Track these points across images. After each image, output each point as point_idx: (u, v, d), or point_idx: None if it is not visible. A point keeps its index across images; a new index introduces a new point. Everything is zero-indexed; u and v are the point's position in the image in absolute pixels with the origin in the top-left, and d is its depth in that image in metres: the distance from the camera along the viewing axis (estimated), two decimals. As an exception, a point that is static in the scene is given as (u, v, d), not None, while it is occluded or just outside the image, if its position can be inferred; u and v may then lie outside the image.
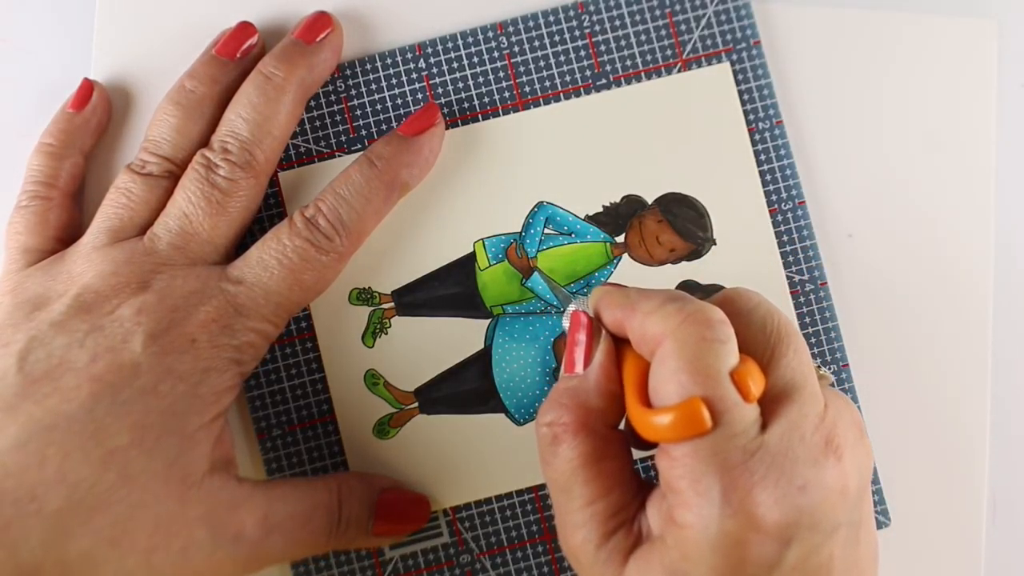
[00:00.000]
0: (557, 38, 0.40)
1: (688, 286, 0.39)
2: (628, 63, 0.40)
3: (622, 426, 0.32)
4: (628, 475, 0.32)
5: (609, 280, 0.39)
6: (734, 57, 0.40)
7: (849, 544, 0.30)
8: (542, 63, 0.40)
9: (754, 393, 0.29)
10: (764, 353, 0.30)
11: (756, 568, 0.28)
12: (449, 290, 0.39)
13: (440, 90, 0.40)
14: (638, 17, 0.40)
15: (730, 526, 0.28)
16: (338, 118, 0.40)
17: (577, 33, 0.40)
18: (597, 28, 0.40)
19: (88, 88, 0.39)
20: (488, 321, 0.39)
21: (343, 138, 0.40)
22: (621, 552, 0.30)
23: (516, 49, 0.40)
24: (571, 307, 0.34)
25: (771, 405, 0.29)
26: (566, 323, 0.35)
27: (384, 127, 0.40)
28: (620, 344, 0.32)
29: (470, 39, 0.40)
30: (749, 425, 0.28)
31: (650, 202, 0.40)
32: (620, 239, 0.40)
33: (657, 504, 0.30)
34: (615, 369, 0.32)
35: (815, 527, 0.28)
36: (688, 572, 0.28)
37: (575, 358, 0.33)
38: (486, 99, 0.40)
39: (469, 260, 0.40)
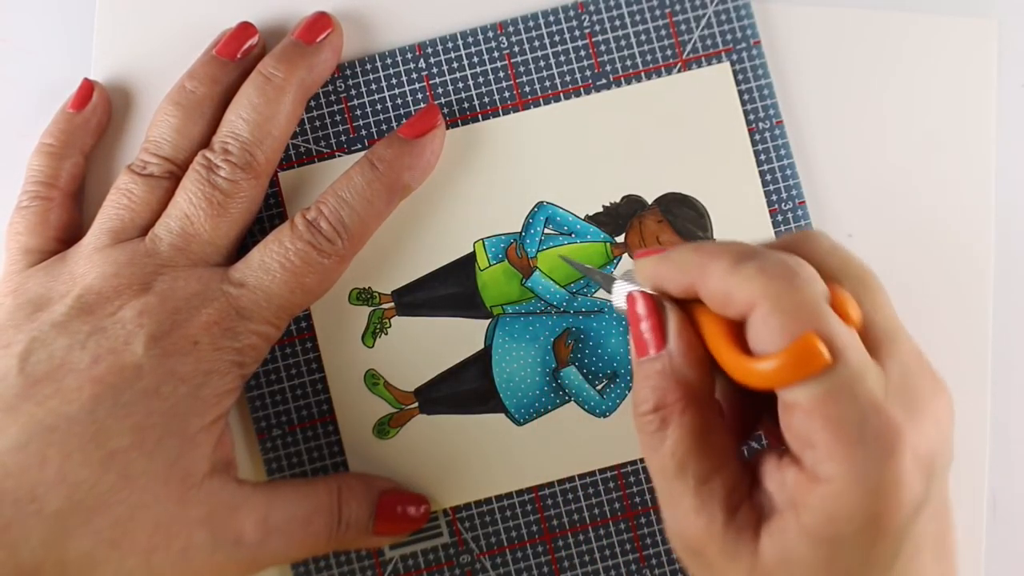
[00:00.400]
0: (557, 38, 0.40)
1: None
2: (628, 63, 0.40)
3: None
4: (737, 449, 0.31)
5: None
6: (734, 57, 0.40)
7: (948, 477, 0.30)
8: (542, 63, 0.40)
9: (855, 317, 0.28)
10: (853, 288, 0.29)
11: (909, 509, 0.27)
12: (449, 290, 0.39)
13: (440, 90, 0.40)
14: (638, 17, 0.40)
15: (889, 468, 0.26)
16: (338, 118, 0.40)
17: (577, 33, 0.40)
18: (597, 28, 0.40)
19: (88, 88, 0.39)
20: (488, 321, 0.39)
21: (343, 138, 0.40)
22: (749, 528, 0.29)
23: (516, 49, 0.40)
24: (622, 287, 0.33)
25: (877, 346, 0.29)
26: (620, 304, 0.33)
27: (384, 127, 0.40)
28: (687, 306, 0.31)
29: (470, 39, 0.40)
30: (868, 359, 0.28)
31: (650, 202, 0.40)
32: (620, 239, 0.40)
33: (775, 474, 0.29)
34: (696, 337, 0.31)
35: (945, 460, 0.28)
36: (840, 533, 0.27)
37: (646, 340, 0.31)
38: (486, 99, 0.40)
39: (469, 260, 0.40)
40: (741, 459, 0.31)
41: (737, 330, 0.29)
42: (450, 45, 0.40)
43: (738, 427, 0.33)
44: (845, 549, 0.27)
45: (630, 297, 0.32)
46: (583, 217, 0.40)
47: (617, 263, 0.40)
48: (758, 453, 0.31)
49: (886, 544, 0.27)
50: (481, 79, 0.40)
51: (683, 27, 0.40)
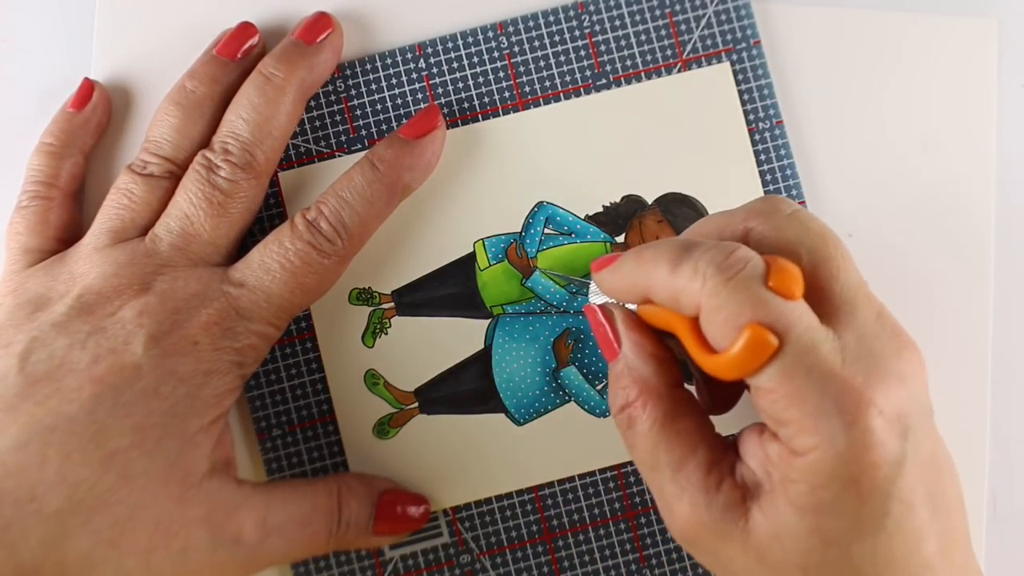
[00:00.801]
0: (557, 38, 0.40)
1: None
2: (628, 63, 0.40)
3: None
4: (710, 432, 0.32)
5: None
6: (734, 57, 0.40)
7: (937, 435, 0.30)
8: (542, 63, 0.40)
9: (796, 291, 0.29)
10: (808, 263, 0.30)
11: (888, 467, 0.28)
12: (449, 290, 0.39)
13: (440, 90, 0.40)
14: (638, 17, 0.40)
15: (855, 432, 0.27)
16: (338, 118, 0.40)
17: (577, 33, 0.40)
18: (597, 28, 0.40)
19: (88, 88, 0.39)
20: (488, 321, 0.39)
21: (343, 138, 0.40)
22: (735, 505, 0.30)
23: (516, 49, 0.40)
24: (595, 298, 0.35)
25: (836, 312, 0.29)
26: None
27: (384, 127, 0.40)
28: (656, 307, 0.32)
29: (470, 39, 0.40)
30: (817, 327, 0.28)
31: (650, 202, 0.40)
32: (620, 239, 0.40)
33: (757, 451, 0.30)
34: (643, 334, 0.32)
35: (919, 416, 0.29)
36: (823, 499, 0.28)
37: (610, 345, 0.33)
38: (486, 99, 0.40)
39: (469, 260, 0.40)
40: (717, 440, 0.31)
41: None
42: (450, 45, 0.40)
43: (728, 398, 0.34)
44: (831, 516, 0.28)
45: (585, 311, 0.34)
46: (583, 217, 0.40)
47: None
48: (740, 431, 0.32)
49: (872, 505, 0.28)
50: (481, 79, 0.40)
51: (683, 27, 0.40)
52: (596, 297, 0.35)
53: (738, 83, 0.40)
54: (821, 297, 0.30)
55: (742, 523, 0.30)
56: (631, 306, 0.33)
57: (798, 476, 0.28)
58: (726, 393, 0.34)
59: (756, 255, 0.29)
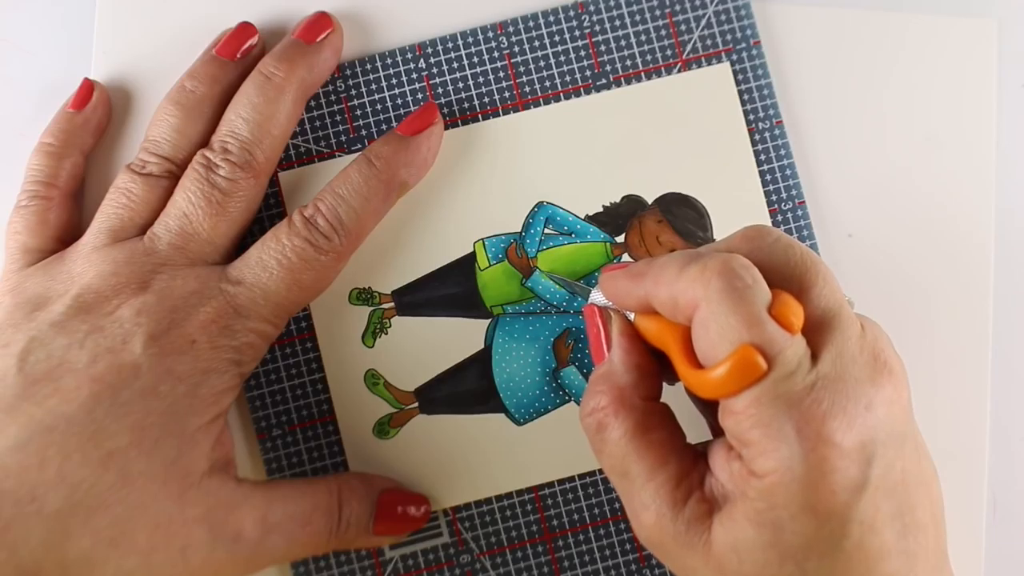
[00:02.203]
0: (557, 38, 0.40)
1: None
2: (628, 63, 0.40)
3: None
4: (681, 444, 0.32)
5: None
6: (734, 57, 0.40)
7: (914, 455, 0.30)
8: (542, 63, 0.40)
9: (796, 324, 0.29)
10: (793, 284, 0.30)
11: (846, 494, 0.28)
12: (449, 290, 0.39)
13: (440, 90, 0.40)
14: (638, 17, 0.40)
15: (813, 460, 0.28)
16: (338, 118, 0.40)
17: (577, 33, 0.40)
18: (597, 28, 0.40)
19: (88, 88, 0.39)
20: (488, 321, 0.39)
21: (343, 138, 0.40)
22: (700, 518, 0.30)
23: (516, 49, 0.40)
24: (596, 300, 0.35)
25: (814, 335, 0.29)
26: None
27: (384, 127, 0.40)
28: (651, 317, 0.32)
29: (470, 39, 0.40)
30: (802, 358, 0.28)
31: (650, 202, 0.40)
32: (620, 239, 0.40)
33: (724, 465, 0.30)
34: (634, 343, 0.33)
35: (887, 442, 0.29)
36: (780, 518, 0.28)
37: (601, 347, 0.34)
38: (486, 99, 0.40)
39: (469, 260, 0.40)
40: (689, 452, 0.32)
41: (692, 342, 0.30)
42: (450, 45, 0.40)
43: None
44: (787, 533, 0.29)
45: (584, 310, 0.34)
46: (583, 217, 0.40)
47: (617, 263, 0.39)
48: (710, 443, 0.32)
49: (830, 527, 0.28)
50: (481, 79, 0.40)
51: (683, 27, 0.40)
52: (597, 299, 0.35)
53: (738, 83, 0.40)
54: (806, 312, 0.30)
55: (705, 536, 0.30)
56: (630, 315, 0.33)
57: (755, 495, 0.29)
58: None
59: (763, 280, 0.29)
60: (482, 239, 0.39)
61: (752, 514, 0.29)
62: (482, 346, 0.39)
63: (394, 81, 0.40)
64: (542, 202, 0.40)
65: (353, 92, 0.40)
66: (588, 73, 0.40)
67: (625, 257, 0.40)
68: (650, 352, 0.33)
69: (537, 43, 0.40)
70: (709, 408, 0.34)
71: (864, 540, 0.29)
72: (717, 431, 0.34)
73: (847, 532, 0.28)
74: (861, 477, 0.28)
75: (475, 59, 0.40)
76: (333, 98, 0.40)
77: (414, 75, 0.40)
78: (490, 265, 0.39)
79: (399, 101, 0.40)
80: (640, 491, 0.31)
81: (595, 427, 0.32)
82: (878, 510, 0.29)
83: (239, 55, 0.38)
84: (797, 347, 0.29)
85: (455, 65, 0.40)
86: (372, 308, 0.39)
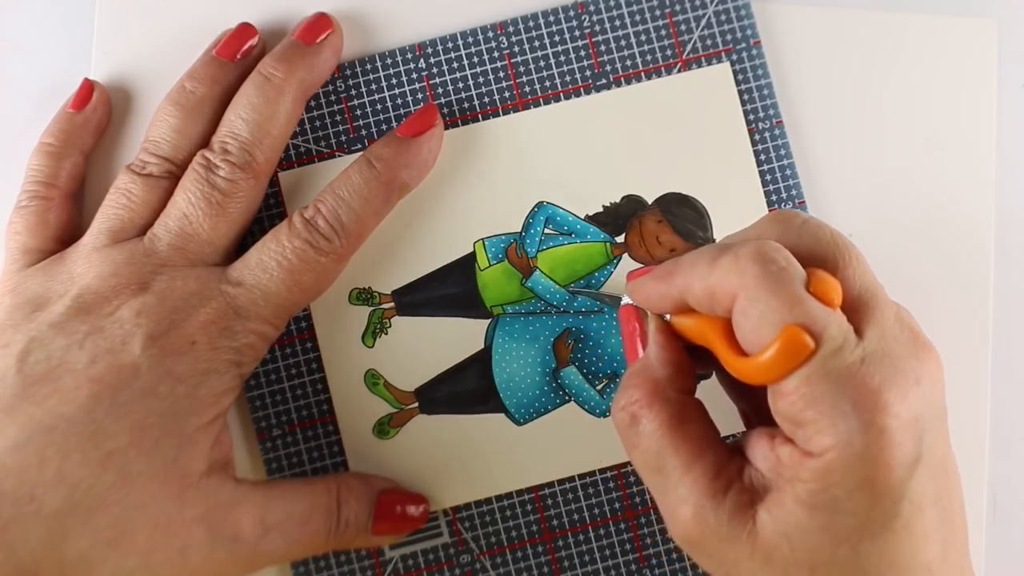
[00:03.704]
0: (557, 38, 0.40)
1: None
2: (628, 63, 0.40)
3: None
4: (716, 437, 0.31)
5: (612, 279, 0.40)
6: (734, 57, 0.40)
7: (947, 441, 0.30)
8: (542, 63, 0.40)
9: (836, 299, 0.28)
10: (826, 265, 0.30)
11: (902, 469, 0.28)
12: (449, 290, 0.39)
13: (440, 90, 0.40)
14: (638, 17, 0.40)
15: (872, 433, 0.27)
16: (338, 118, 0.40)
17: (577, 33, 0.40)
18: (597, 28, 0.40)
19: (88, 88, 0.39)
20: (488, 321, 0.39)
21: (343, 138, 0.40)
22: (742, 509, 0.30)
23: (516, 49, 0.40)
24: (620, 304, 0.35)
25: (854, 315, 0.29)
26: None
27: (384, 127, 0.40)
28: (687, 314, 0.32)
29: (470, 39, 0.40)
30: (847, 332, 0.28)
31: (650, 202, 0.40)
32: (620, 239, 0.40)
33: (768, 453, 0.30)
34: (670, 339, 0.32)
35: (934, 420, 0.29)
36: (835, 498, 0.28)
37: (635, 346, 0.33)
38: (486, 99, 0.40)
39: (469, 260, 0.40)
40: (723, 445, 0.31)
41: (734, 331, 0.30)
42: (450, 45, 0.40)
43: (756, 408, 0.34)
44: (842, 514, 0.28)
45: (620, 311, 0.34)
46: (583, 217, 0.40)
47: (617, 263, 0.40)
48: (744, 435, 0.32)
49: (883, 505, 0.28)
50: (481, 79, 0.40)
51: (683, 27, 0.40)
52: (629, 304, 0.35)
53: (738, 83, 0.40)
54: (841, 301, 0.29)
55: (749, 525, 0.29)
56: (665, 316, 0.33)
57: (810, 476, 0.28)
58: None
59: (795, 259, 0.29)
60: (482, 239, 0.39)
61: (805, 497, 0.28)
62: (482, 346, 0.39)
63: (394, 81, 0.40)
64: (542, 202, 0.40)
65: (353, 92, 0.40)
66: (588, 73, 0.40)
67: (625, 257, 0.40)
68: (685, 349, 0.33)
69: (537, 43, 0.40)
70: (746, 398, 0.34)
71: (912, 520, 0.28)
72: (751, 422, 0.34)
73: (898, 511, 0.28)
74: (915, 452, 0.28)
75: (475, 59, 0.40)
76: (333, 98, 0.40)
77: (414, 75, 0.40)
78: (490, 265, 0.39)
79: (399, 101, 0.40)
80: (677, 485, 0.31)
81: (628, 421, 0.32)
82: (925, 490, 0.29)
83: (239, 56, 0.38)
84: (840, 321, 0.28)
85: (455, 65, 0.40)
86: (372, 308, 0.39)
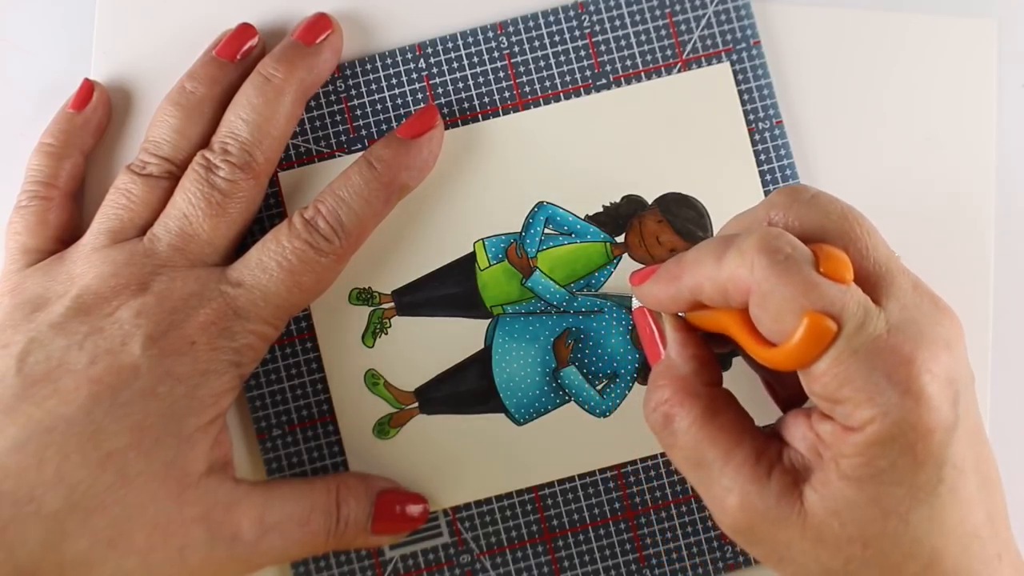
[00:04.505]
0: (557, 38, 0.40)
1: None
2: (628, 63, 0.40)
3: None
4: (750, 424, 0.32)
5: (612, 278, 0.40)
6: (734, 57, 0.40)
7: (976, 401, 0.30)
8: (542, 63, 0.40)
9: (847, 275, 0.28)
10: (838, 239, 0.30)
11: (941, 432, 0.28)
12: (449, 290, 0.39)
13: (440, 90, 0.40)
14: (638, 17, 0.40)
15: (908, 401, 0.27)
16: (338, 118, 0.40)
17: (577, 33, 0.40)
18: (597, 28, 0.40)
19: (88, 88, 0.39)
20: (488, 321, 0.39)
21: (343, 138, 0.40)
22: (788, 489, 0.30)
23: (516, 49, 0.40)
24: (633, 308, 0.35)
25: (873, 288, 0.29)
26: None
27: (384, 127, 0.40)
28: (703, 310, 0.32)
29: (470, 39, 0.40)
30: (866, 305, 0.28)
31: (650, 202, 0.40)
32: (620, 239, 0.40)
33: (807, 433, 0.30)
34: (689, 335, 0.33)
35: (967, 379, 0.29)
36: (880, 469, 0.28)
37: (656, 347, 0.34)
38: (486, 99, 0.40)
39: (469, 260, 0.40)
40: (759, 431, 0.32)
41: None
42: (450, 45, 0.40)
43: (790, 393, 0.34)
44: (889, 484, 0.28)
45: (634, 314, 0.35)
46: (583, 217, 0.40)
47: (617, 263, 0.40)
48: (780, 419, 0.32)
49: (928, 470, 0.28)
50: (481, 79, 0.40)
51: (683, 27, 0.40)
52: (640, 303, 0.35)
53: (738, 83, 0.40)
54: (856, 276, 0.29)
55: (797, 506, 0.30)
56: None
57: (853, 451, 0.28)
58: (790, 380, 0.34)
59: (800, 242, 0.29)
60: (482, 239, 0.39)
61: (850, 472, 0.28)
62: (482, 346, 0.39)
63: (394, 81, 0.40)
64: (542, 202, 0.40)
65: (353, 92, 0.40)
66: (588, 73, 0.40)
67: (625, 257, 0.39)
68: (706, 342, 0.33)
69: (537, 43, 0.40)
70: (779, 378, 0.34)
71: (957, 485, 0.29)
72: (777, 393, 0.34)
73: (942, 476, 0.28)
74: (952, 415, 0.28)
75: (475, 59, 0.40)
76: (333, 98, 0.40)
77: (414, 75, 0.40)
78: (490, 265, 0.39)
79: (399, 101, 0.40)
80: (720, 476, 0.31)
81: (662, 421, 0.32)
82: (966, 455, 0.29)
83: (239, 56, 0.38)
84: (857, 296, 0.28)
85: (455, 65, 0.40)
86: (372, 308, 0.39)
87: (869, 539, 0.29)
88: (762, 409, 0.35)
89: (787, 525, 0.30)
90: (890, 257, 0.30)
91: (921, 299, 0.29)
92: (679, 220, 0.39)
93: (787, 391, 0.35)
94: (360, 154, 0.38)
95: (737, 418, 0.32)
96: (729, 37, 0.40)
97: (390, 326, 0.39)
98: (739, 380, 0.34)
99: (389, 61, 0.40)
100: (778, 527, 0.30)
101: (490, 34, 0.40)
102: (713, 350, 0.33)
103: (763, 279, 0.28)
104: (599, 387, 0.39)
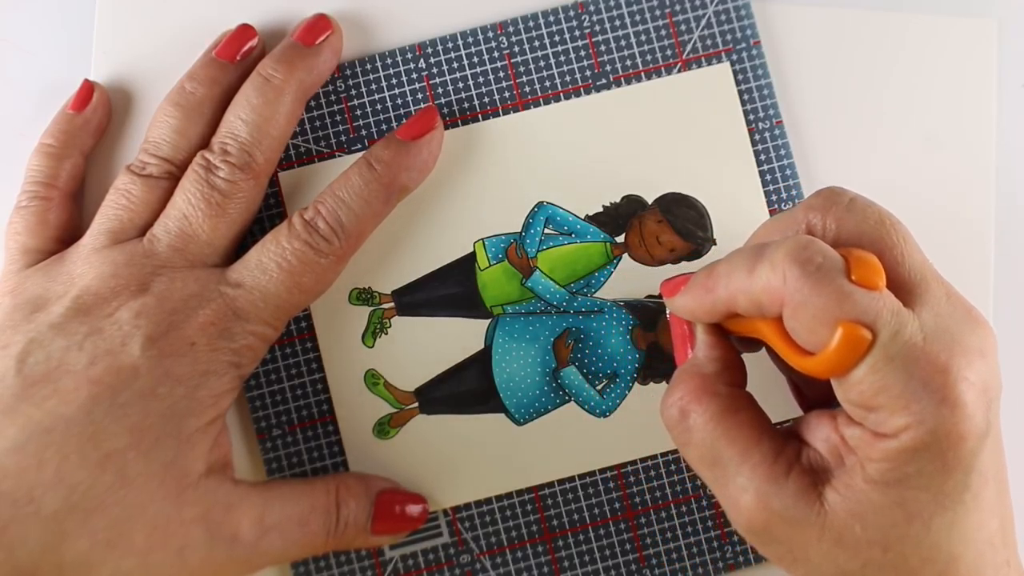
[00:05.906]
0: (557, 38, 0.40)
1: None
2: (628, 63, 0.40)
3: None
4: (768, 423, 0.32)
5: (612, 278, 0.39)
6: (734, 57, 0.40)
7: (999, 407, 0.30)
8: (542, 63, 0.40)
9: (880, 282, 0.28)
10: (874, 246, 0.30)
11: (974, 440, 0.28)
12: (449, 290, 0.39)
13: (440, 90, 0.40)
14: (638, 17, 0.40)
15: (944, 410, 0.27)
16: (338, 118, 0.40)
17: (577, 33, 0.40)
18: (597, 28, 0.40)
19: (88, 89, 0.39)
20: (488, 321, 0.39)
21: (343, 138, 0.40)
22: (806, 490, 0.30)
23: (516, 49, 0.40)
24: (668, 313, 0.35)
25: (908, 296, 0.29)
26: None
27: (384, 127, 0.40)
28: (738, 318, 0.32)
29: (470, 39, 0.40)
30: (900, 313, 0.28)
31: (650, 202, 0.40)
32: (620, 239, 0.40)
33: (830, 435, 0.30)
34: (719, 339, 0.33)
35: (999, 387, 0.29)
36: (907, 475, 0.28)
37: (685, 348, 0.34)
38: (486, 99, 0.40)
39: (469, 260, 0.40)
40: (777, 431, 0.31)
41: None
42: (450, 45, 0.40)
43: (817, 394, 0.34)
44: (916, 489, 0.28)
45: (670, 316, 0.34)
46: (583, 217, 0.40)
47: (617, 263, 0.40)
48: (800, 419, 0.32)
49: (956, 477, 0.28)
50: (481, 79, 0.40)
51: (683, 27, 0.40)
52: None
53: (738, 83, 0.40)
54: (890, 283, 0.29)
55: (816, 507, 0.29)
56: None
57: (881, 456, 0.28)
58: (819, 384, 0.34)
59: (831, 249, 0.29)
60: (482, 239, 0.39)
61: (876, 476, 0.28)
62: (482, 346, 0.39)
63: (394, 81, 0.40)
64: (542, 202, 0.40)
65: (353, 92, 0.40)
66: (588, 73, 0.40)
67: (625, 257, 0.39)
68: (734, 346, 0.33)
69: (537, 43, 0.40)
70: (807, 380, 0.34)
71: (980, 493, 0.29)
72: (802, 393, 0.34)
73: (968, 483, 0.28)
74: (985, 423, 0.28)
75: (475, 59, 0.40)
76: (333, 98, 0.40)
77: (414, 75, 0.40)
78: (490, 265, 0.39)
79: (399, 101, 0.40)
80: (735, 475, 0.31)
81: (678, 416, 0.32)
82: (990, 463, 0.29)
83: (239, 57, 0.38)
84: (891, 304, 0.28)
85: (455, 65, 0.40)
86: (372, 308, 0.39)
87: (890, 543, 0.29)
88: (775, 406, 0.35)
89: (805, 526, 0.30)
90: (925, 264, 0.30)
91: (954, 308, 0.29)
92: (679, 220, 0.39)
93: (814, 392, 0.34)
94: (360, 154, 0.38)
95: (755, 417, 0.31)
96: (729, 37, 0.40)
97: (390, 326, 0.39)
98: (753, 376, 0.34)
99: (389, 61, 0.40)
100: (795, 527, 0.30)
101: (490, 34, 0.40)
102: (740, 353, 0.33)
103: (795, 290, 0.28)
104: (599, 387, 0.39)
